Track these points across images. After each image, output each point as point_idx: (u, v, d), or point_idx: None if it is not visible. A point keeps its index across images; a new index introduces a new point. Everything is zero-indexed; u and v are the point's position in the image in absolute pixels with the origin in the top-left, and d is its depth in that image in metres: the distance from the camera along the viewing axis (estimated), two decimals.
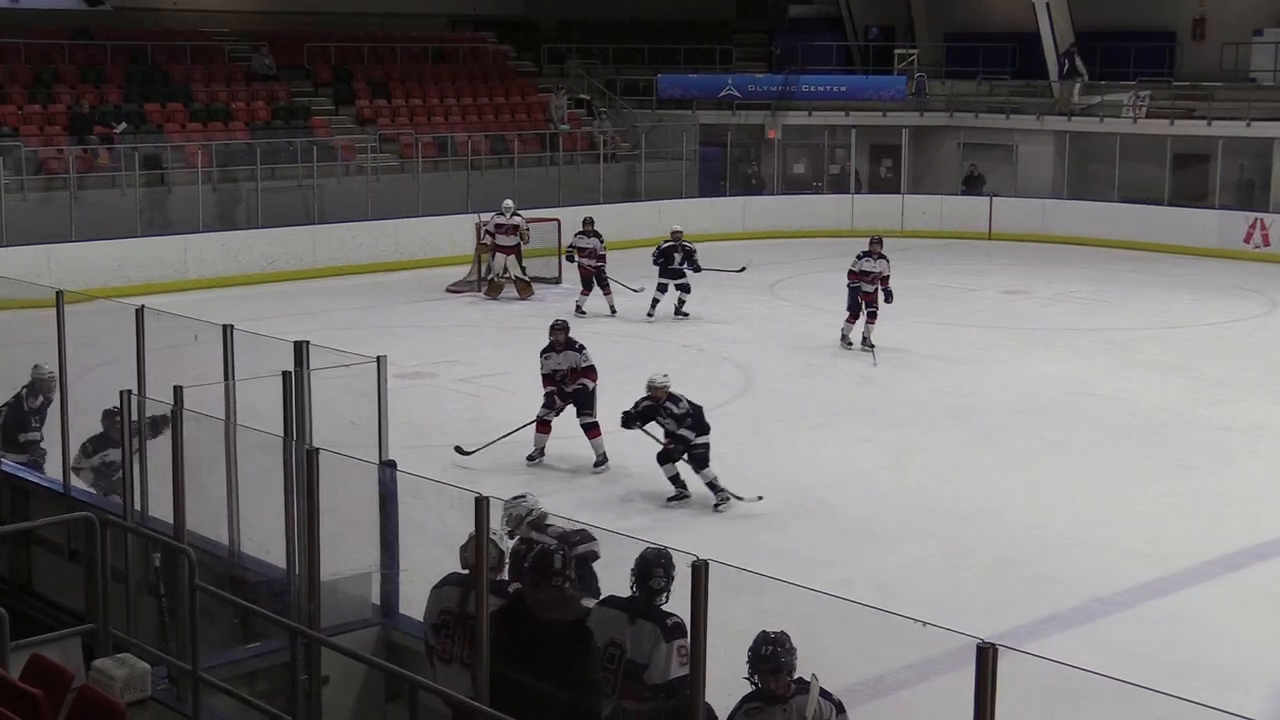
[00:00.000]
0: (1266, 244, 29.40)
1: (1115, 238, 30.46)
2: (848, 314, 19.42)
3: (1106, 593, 10.54)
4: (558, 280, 24.54)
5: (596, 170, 30.82)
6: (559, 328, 14.28)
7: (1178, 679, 8.43)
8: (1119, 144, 32.31)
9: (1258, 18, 33.09)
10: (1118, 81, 33.30)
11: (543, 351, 14.29)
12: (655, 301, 21.65)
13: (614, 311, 22.08)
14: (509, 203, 23.70)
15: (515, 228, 23.33)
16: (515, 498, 7.80)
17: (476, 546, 6.12)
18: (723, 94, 33.88)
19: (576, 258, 22.33)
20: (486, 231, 23.59)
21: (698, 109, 33.55)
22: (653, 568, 6.22)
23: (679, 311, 21.60)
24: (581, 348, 14.24)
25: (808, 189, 34.05)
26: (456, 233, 25.95)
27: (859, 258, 19.37)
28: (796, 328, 21.35)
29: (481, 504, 6.08)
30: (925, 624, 5.84)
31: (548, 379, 14.15)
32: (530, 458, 14.06)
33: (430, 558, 7.13)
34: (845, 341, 19.42)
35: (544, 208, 26.13)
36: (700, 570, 5.25)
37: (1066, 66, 33.83)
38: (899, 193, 33.07)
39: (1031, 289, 24.99)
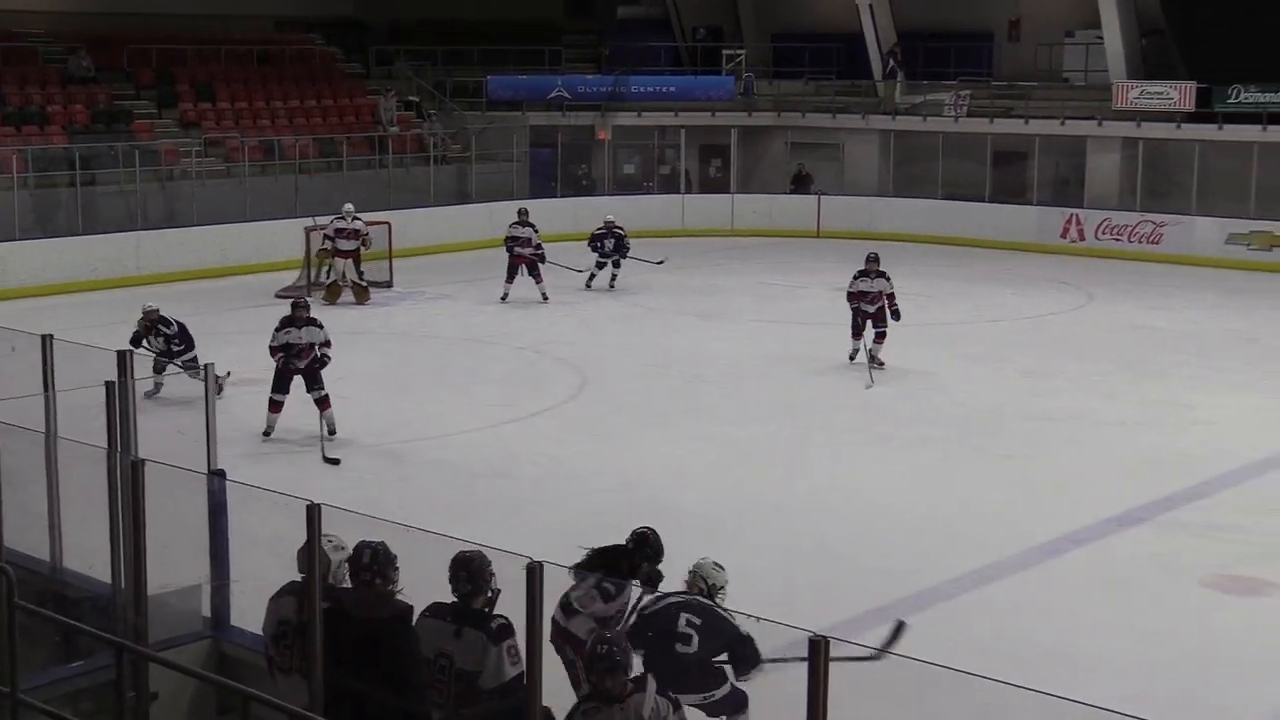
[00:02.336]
0: (1082, 238, 30.31)
1: (939, 234, 31.13)
2: (852, 334, 18.46)
3: (936, 582, 10.75)
4: (389, 284, 24.34)
5: (427, 173, 30.62)
6: (302, 305, 15.05)
7: (1006, 664, 8.63)
8: (941, 142, 33.06)
9: (1069, 20, 34.06)
10: (939, 81, 34.05)
11: (281, 326, 14.79)
12: (592, 276, 24.35)
13: (545, 298, 22.99)
14: (349, 206, 23.48)
15: (356, 232, 23.14)
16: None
17: (309, 553, 6.06)
18: (553, 95, 33.89)
19: (515, 249, 23.11)
20: (326, 236, 23.34)
21: (528, 111, 33.50)
22: (456, 570, 6.22)
23: (612, 281, 24.43)
24: (321, 325, 14.95)
25: (639, 189, 34.23)
26: (285, 237, 25.56)
27: (855, 278, 18.42)
28: (631, 328, 21.47)
29: (313, 511, 6.02)
30: (759, 619, 5.93)
31: (278, 350, 14.71)
32: (266, 433, 14.72)
33: (264, 568, 7.02)
34: (855, 358, 18.45)
35: (374, 211, 25.89)
36: (534, 572, 5.26)
37: (889, 66, 34.50)
38: (729, 192, 33.41)
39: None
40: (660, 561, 8.05)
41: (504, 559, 5.95)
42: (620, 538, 7.70)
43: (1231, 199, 29.63)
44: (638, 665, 6.43)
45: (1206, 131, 29.97)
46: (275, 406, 14.76)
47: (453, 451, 14.62)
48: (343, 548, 6.52)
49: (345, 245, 23.07)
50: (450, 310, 22.50)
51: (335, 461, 13.98)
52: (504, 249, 23.44)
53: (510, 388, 17.48)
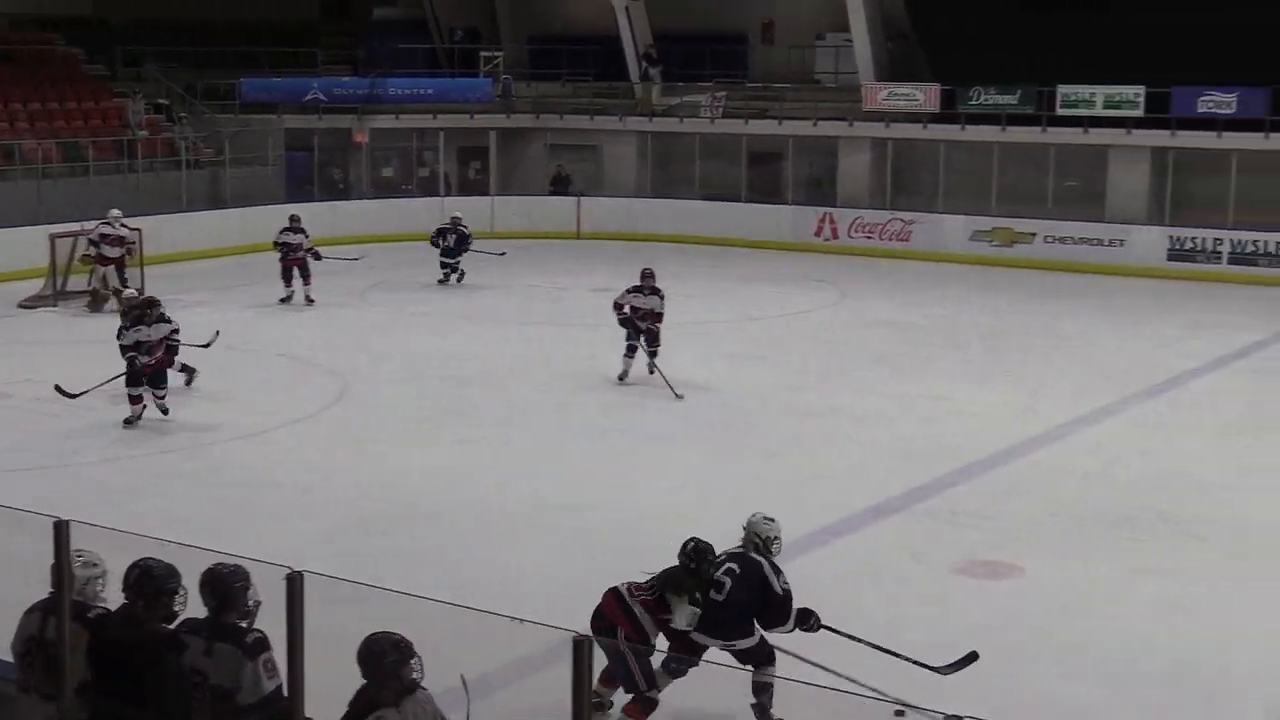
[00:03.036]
0: (835, 237, 31.07)
1: (697, 234, 31.56)
2: (626, 352, 17.74)
3: None
4: (139, 290, 23.66)
5: (178, 177, 29.81)
6: (154, 302, 15.41)
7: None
8: (698, 143, 33.56)
9: (820, 23, 34.88)
10: (695, 83, 34.53)
11: (132, 324, 14.97)
12: (449, 274, 25.14)
13: (311, 301, 22.86)
14: (116, 211, 22.96)
15: (121, 238, 22.58)
16: None
17: (56, 569, 5.88)
18: (308, 98, 33.32)
19: (288, 254, 22.92)
20: (90, 241, 22.66)
21: (283, 113, 32.87)
22: (203, 585, 6.09)
23: (459, 278, 25.15)
24: (171, 319, 15.40)
25: (397, 192, 33.92)
26: (27, 245, 24.56)
27: (629, 292, 17.76)
28: (394, 333, 21.26)
29: (61, 528, 5.84)
30: (523, 621, 5.92)
31: (131, 348, 14.93)
32: (128, 421, 15.08)
33: (11, 586, 6.77)
34: (625, 379, 17.76)
35: (124, 217, 25.08)
36: (295, 582, 5.17)
37: (645, 68, 34.86)
38: (488, 194, 33.32)
39: (620, 286, 25.53)
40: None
41: (266, 570, 5.84)
42: (387, 542, 7.66)
43: (975, 197, 30.75)
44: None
45: (950, 132, 31.05)
46: (137, 399, 15.11)
47: (211, 461, 14.29)
48: (94, 564, 6.33)
49: (110, 251, 22.48)
50: (208, 317, 21.83)
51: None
52: (275, 254, 23.17)
53: (269, 395, 17.14)
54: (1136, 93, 29.05)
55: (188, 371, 16.70)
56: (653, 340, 17.73)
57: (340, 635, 5.80)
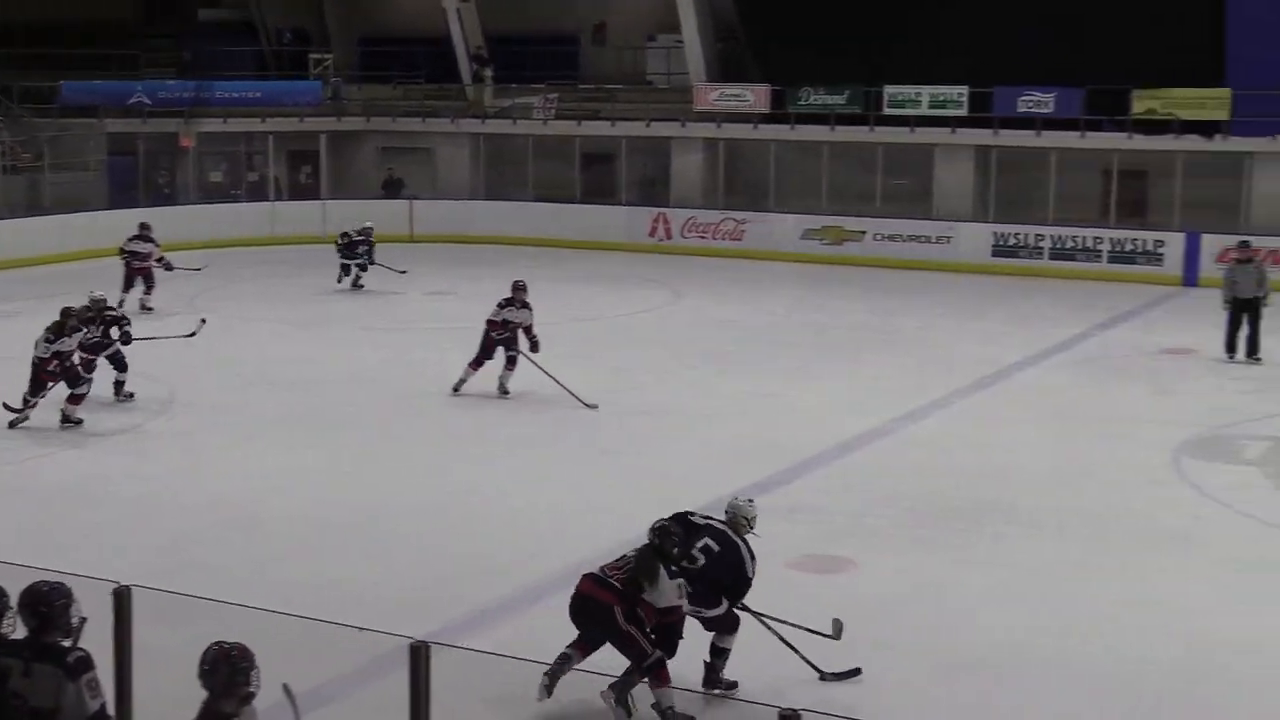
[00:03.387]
0: (669, 237, 31.29)
1: (532, 235, 31.54)
2: (474, 360, 17.07)
3: (537, 580, 10.86)
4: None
5: None
6: (75, 311, 15.68)
7: (605, 658, 8.84)
8: (531, 145, 33.54)
9: (651, 24, 35.08)
10: (527, 85, 34.49)
11: (60, 336, 15.31)
12: (344, 276, 25.06)
13: (149, 309, 22.43)
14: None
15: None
16: None
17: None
18: (132, 101, 32.56)
19: (134, 262, 22.70)
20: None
21: (105, 117, 32.07)
22: (20, 605, 5.91)
23: (355, 282, 25.08)
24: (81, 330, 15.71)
25: (226, 197, 33.33)
26: None
27: (501, 306, 17.02)
28: (225, 340, 20.85)
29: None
30: (361, 629, 5.89)
31: (50, 359, 15.26)
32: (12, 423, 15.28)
33: None
34: (461, 390, 17.12)
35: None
36: (122, 597, 5.07)
37: (476, 70, 34.74)
38: (320, 198, 32.91)
39: (455, 289, 25.51)
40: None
41: (92, 586, 5.71)
42: (221, 554, 7.53)
43: (806, 196, 31.19)
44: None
45: (781, 132, 31.45)
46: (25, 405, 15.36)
47: (32, 478, 13.90)
48: None
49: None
50: (27, 327, 21.14)
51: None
52: (120, 260, 22.85)
53: (94, 406, 16.71)
54: (960, 93, 29.72)
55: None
56: (512, 345, 17.01)
57: (171, 651, 5.69)
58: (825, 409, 16.85)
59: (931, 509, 12.88)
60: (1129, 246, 27.85)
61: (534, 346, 16.97)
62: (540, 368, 16.87)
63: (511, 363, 17.13)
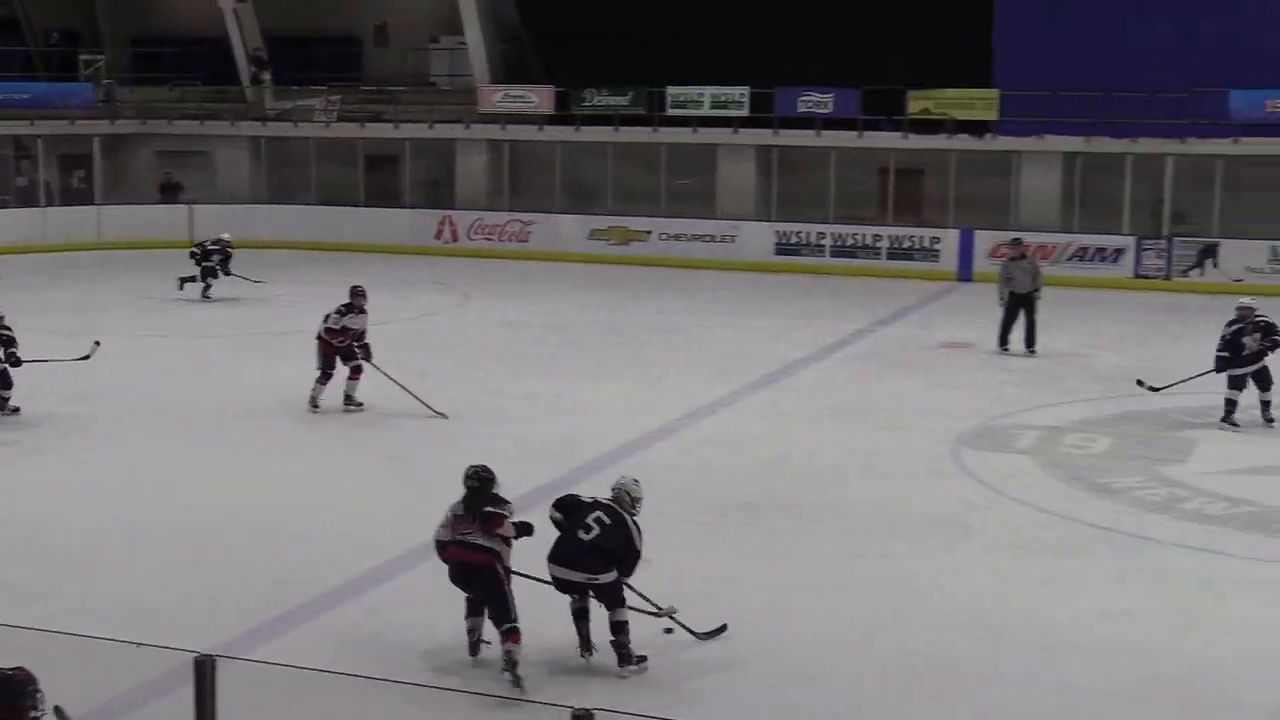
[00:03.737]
0: (455, 239, 31.19)
1: (316, 239, 31.13)
2: (320, 376, 16.44)
3: (321, 591, 10.72)
4: None
5: None
6: None
7: (394, 664, 8.77)
8: (314, 147, 33.07)
9: (434, 25, 34.88)
10: (308, 86, 34.00)
11: None
12: (188, 284, 24.45)
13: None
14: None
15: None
16: None
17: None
18: None
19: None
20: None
21: None
22: None
23: (205, 295, 24.43)
24: None
25: None
26: None
27: (340, 313, 16.38)
28: None
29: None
30: (140, 644, 5.74)
31: None
32: None
33: None
34: (318, 406, 16.48)
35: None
36: None
37: (255, 71, 34.12)
38: (94, 203, 31.96)
39: (236, 295, 24.98)
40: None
41: None
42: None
43: (591, 197, 31.37)
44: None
45: (565, 133, 31.57)
46: None
47: None
48: None
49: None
50: None
51: None
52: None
53: None
54: (742, 93, 30.19)
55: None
56: (350, 356, 16.46)
57: None
58: (614, 409, 16.95)
59: (720, 505, 13.04)
60: (906, 243, 28.63)
61: (366, 355, 16.53)
62: (388, 375, 16.63)
63: (356, 372, 16.55)
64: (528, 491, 13.24)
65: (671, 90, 30.51)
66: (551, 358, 20.02)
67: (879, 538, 12.18)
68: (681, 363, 19.84)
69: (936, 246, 28.38)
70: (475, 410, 16.78)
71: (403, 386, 16.51)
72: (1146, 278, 27.06)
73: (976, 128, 29.25)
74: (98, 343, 17.00)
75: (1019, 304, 20.44)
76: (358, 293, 16.64)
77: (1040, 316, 20.46)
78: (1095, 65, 28.23)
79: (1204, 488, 13.71)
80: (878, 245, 28.76)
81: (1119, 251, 27.41)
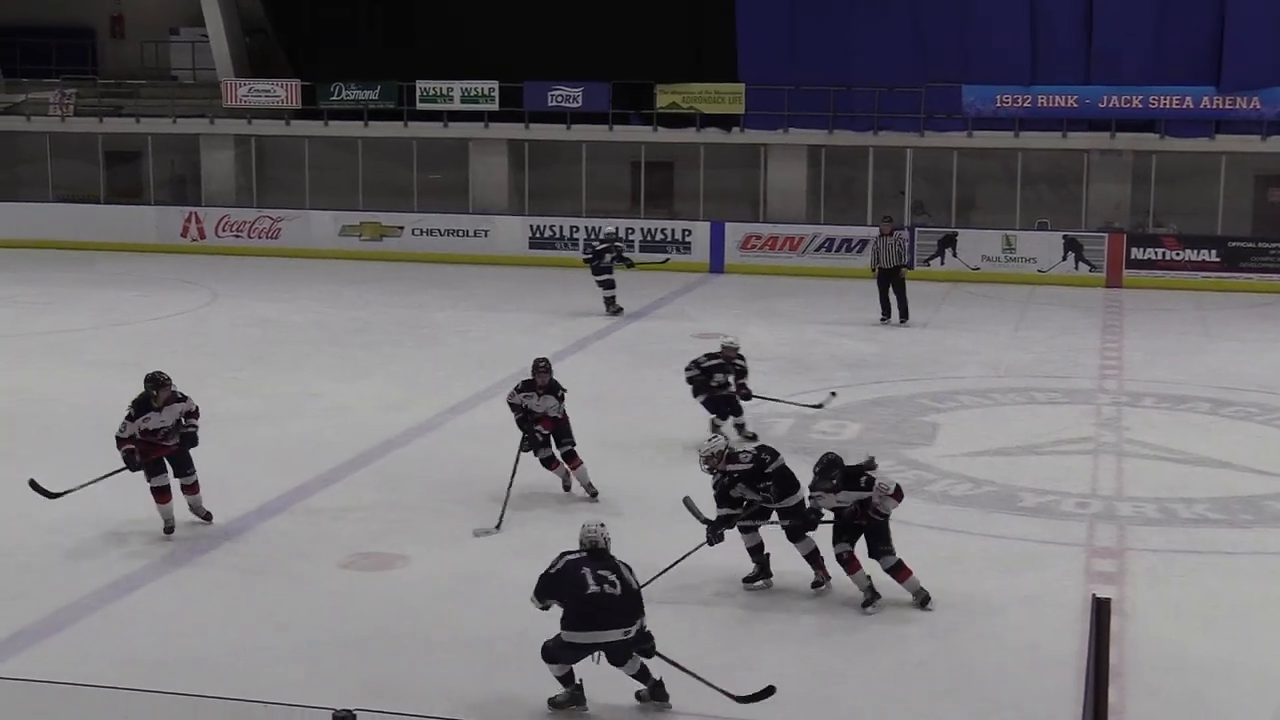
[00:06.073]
0: (203, 236, 30.40)
1: (54, 238, 30.00)
2: None
3: (69, 600, 10.37)
4: None
5: None
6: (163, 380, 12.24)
7: (162, 671, 8.52)
8: (49, 142, 31.88)
9: (173, 17, 33.95)
10: (41, 79, 32.74)
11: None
12: None
13: None
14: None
15: None
16: None
17: None
18: None
19: None
20: None
21: None
22: None
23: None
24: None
25: None
26: None
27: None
28: None
29: None
30: None
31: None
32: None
33: None
34: None
35: None
36: None
37: None
38: None
39: None
40: None
41: None
42: None
43: (342, 193, 30.93)
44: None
45: (314, 127, 31.07)
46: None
47: None
48: None
49: None
50: None
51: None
52: None
53: None
54: (491, 87, 30.13)
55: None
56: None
57: None
58: (371, 406, 16.75)
59: (480, 499, 12.99)
60: (659, 236, 28.92)
61: None
62: None
63: None
64: (281, 495, 13.06)
65: (421, 84, 30.26)
66: (304, 356, 19.69)
67: (637, 522, 12.17)
68: (437, 358, 19.71)
69: (689, 239, 28.75)
70: (228, 411, 16.35)
71: None
72: None
73: (724, 121, 29.73)
74: None
75: (888, 277, 22.44)
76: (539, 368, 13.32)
77: (788, 307, 20.93)
78: (836, 60, 28.97)
79: (949, 470, 14.20)
80: (631, 238, 28.98)
81: (864, 242, 28.16)
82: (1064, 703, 8.58)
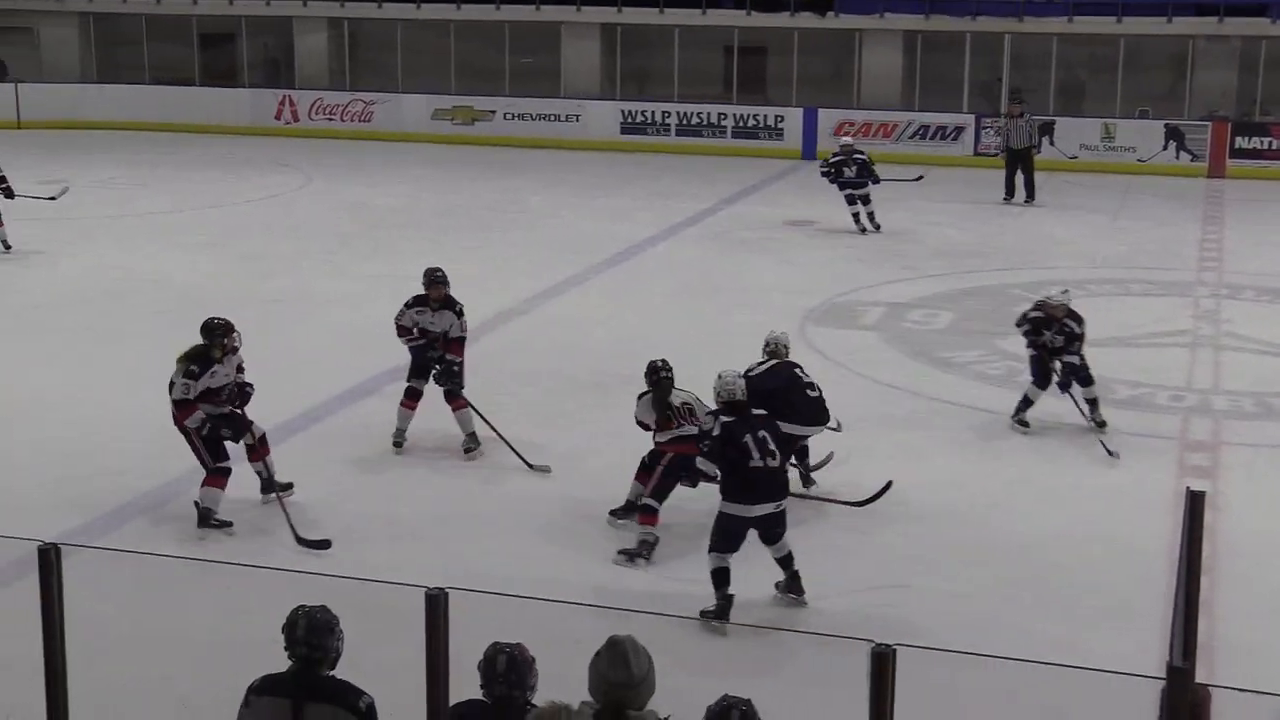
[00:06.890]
0: (296, 120, 30.50)
1: (150, 120, 30.25)
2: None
3: (164, 480, 10.56)
4: None
5: None
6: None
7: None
8: (145, 24, 32.03)
9: None
10: None
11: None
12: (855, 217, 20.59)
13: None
14: None
15: None
16: None
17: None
18: None
19: None
20: None
21: None
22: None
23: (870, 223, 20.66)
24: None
25: None
26: None
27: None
28: None
29: None
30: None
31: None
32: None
33: None
34: None
35: None
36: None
37: None
38: None
39: (69, 178, 24.21)
40: None
41: None
42: None
43: (435, 76, 30.86)
44: None
45: (406, 10, 30.96)
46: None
47: None
48: None
49: None
50: None
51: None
52: None
53: None
54: None
55: None
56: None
57: None
58: (461, 289, 16.73)
59: (569, 385, 13.08)
60: (751, 122, 28.65)
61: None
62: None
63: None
64: (371, 376, 13.20)
65: None
66: (395, 239, 19.78)
67: None
68: (528, 243, 19.74)
69: (781, 125, 28.46)
70: (317, 294, 16.55)
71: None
72: (985, 155, 27.41)
73: (818, 5, 29.26)
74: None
75: (1018, 158, 22.85)
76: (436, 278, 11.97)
77: (886, 194, 20.68)
78: None
79: None
80: (723, 124, 28.74)
81: (959, 129, 27.73)
82: (1150, 593, 8.54)
